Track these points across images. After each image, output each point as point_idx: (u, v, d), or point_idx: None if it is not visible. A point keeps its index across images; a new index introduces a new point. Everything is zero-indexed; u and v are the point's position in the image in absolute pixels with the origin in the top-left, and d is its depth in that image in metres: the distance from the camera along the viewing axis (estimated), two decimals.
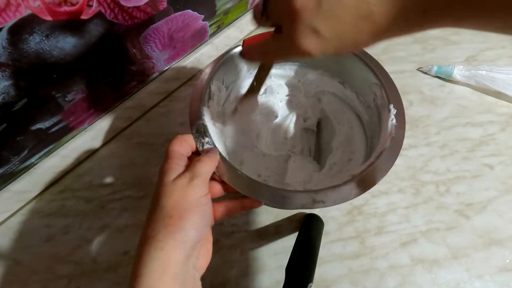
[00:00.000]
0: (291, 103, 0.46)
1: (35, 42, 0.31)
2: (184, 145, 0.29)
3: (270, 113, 0.45)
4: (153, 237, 0.23)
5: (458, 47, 0.57)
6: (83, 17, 0.33)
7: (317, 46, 0.19)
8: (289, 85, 0.46)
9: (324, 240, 0.40)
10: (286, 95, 0.46)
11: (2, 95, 0.32)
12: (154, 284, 0.22)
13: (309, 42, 0.19)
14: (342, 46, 0.19)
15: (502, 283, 0.38)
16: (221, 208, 0.29)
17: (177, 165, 0.27)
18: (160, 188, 0.26)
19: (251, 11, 0.58)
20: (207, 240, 0.28)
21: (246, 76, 0.42)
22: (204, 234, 0.26)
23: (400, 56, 0.56)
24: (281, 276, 0.34)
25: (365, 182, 0.30)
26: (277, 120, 0.45)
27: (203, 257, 0.27)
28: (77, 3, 0.32)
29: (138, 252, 0.24)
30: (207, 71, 0.36)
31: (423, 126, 0.49)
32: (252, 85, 0.38)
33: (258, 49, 0.25)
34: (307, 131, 0.46)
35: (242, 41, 0.37)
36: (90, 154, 0.47)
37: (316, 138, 0.46)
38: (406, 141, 0.32)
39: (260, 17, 0.23)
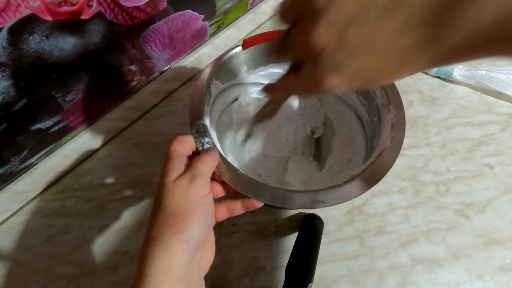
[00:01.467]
0: (293, 105, 0.46)
1: (35, 42, 0.31)
2: (184, 145, 0.29)
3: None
4: (158, 237, 0.23)
5: None
6: (83, 17, 0.33)
7: (341, 84, 0.18)
8: None
9: (324, 240, 0.40)
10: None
11: (2, 95, 0.32)
12: (159, 285, 0.22)
13: (332, 81, 0.18)
14: (367, 82, 0.18)
15: (502, 283, 0.38)
16: (222, 208, 0.29)
17: (178, 165, 0.27)
18: (162, 189, 0.26)
19: (250, 11, 0.58)
20: (210, 240, 0.29)
21: (246, 76, 0.42)
22: (207, 233, 0.26)
23: None
24: (281, 276, 0.34)
25: (365, 182, 0.30)
26: (280, 123, 0.45)
27: (206, 256, 0.27)
28: (77, 3, 0.32)
29: (143, 252, 0.24)
30: (207, 71, 0.36)
31: (423, 126, 0.49)
32: (264, 110, 0.36)
33: (280, 89, 0.24)
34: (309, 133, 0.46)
35: (242, 41, 0.37)
36: (90, 154, 0.47)
37: (316, 138, 0.46)
38: (406, 141, 0.32)
39: (278, 50, 0.21)
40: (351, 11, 0.16)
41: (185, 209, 0.24)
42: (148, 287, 0.22)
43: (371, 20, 0.16)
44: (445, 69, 0.52)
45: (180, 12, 0.44)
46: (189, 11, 0.45)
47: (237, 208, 0.30)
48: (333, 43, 0.17)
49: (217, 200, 0.29)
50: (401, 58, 0.16)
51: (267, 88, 0.25)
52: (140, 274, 0.22)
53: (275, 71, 0.44)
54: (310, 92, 0.22)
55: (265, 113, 0.37)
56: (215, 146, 0.31)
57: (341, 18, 0.16)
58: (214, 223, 0.29)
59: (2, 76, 0.31)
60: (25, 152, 0.40)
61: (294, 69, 0.21)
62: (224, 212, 0.30)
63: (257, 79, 0.42)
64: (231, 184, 0.29)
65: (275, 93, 0.25)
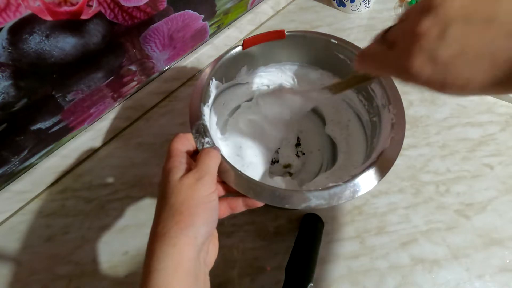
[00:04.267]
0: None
1: (35, 42, 0.31)
2: (185, 143, 0.29)
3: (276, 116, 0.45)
4: (165, 234, 0.24)
5: None
6: (83, 17, 0.33)
7: (427, 72, 0.19)
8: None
9: (324, 240, 0.40)
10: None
11: (2, 95, 0.32)
12: (169, 279, 0.22)
13: (420, 65, 0.19)
14: (450, 82, 0.18)
15: (502, 283, 0.38)
16: (224, 205, 0.30)
17: (180, 163, 0.27)
18: (167, 187, 0.26)
19: (250, 11, 0.58)
20: (214, 235, 0.29)
21: (246, 76, 0.42)
22: (213, 229, 0.26)
23: None
24: (281, 276, 0.34)
25: (365, 182, 0.30)
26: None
27: (211, 252, 0.28)
28: (77, 3, 0.32)
29: (150, 249, 0.24)
30: (207, 71, 0.36)
31: (423, 126, 0.49)
32: (335, 85, 0.35)
33: (369, 61, 0.24)
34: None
35: (242, 41, 0.37)
36: (90, 154, 0.47)
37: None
38: (406, 141, 0.32)
39: (382, 35, 0.22)
40: (459, 11, 0.17)
41: (191, 206, 0.25)
42: (157, 282, 0.22)
43: (473, 23, 0.17)
44: None
45: (180, 12, 0.44)
46: (189, 11, 0.45)
47: (239, 205, 0.30)
48: (435, 32, 0.18)
49: (218, 198, 0.29)
50: (490, 63, 0.17)
51: (359, 58, 0.25)
52: (148, 270, 0.23)
53: (275, 70, 0.44)
54: (395, 72, 0.21)
55: (337, 86, 0.35)
56: (215, 146, 0.31)
57: (449, 14, 0.17)
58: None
59: (2, 76, 0.31)
60: (25, 152, 0.40)
61: (388, 46, 0.22)
62: (225, 209, 0.30)
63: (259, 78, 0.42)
64: (231, 184, 0.29)
65: (363, 64, 0.25)
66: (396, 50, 0.20)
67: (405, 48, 0.19)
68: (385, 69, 0.22)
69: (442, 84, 0.19)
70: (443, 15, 0.17)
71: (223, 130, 0.43)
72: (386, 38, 0.22)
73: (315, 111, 0.46)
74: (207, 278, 0.26)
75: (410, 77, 0.20)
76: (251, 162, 0.42)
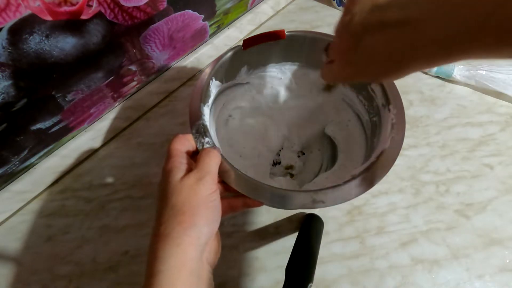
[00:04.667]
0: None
1: (35, 42, 0.31)
2: (185, 143, 0.29)
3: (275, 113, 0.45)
4: (167, 234, 0.24)
5: None
6: (83, 17, 0.33)
7: (354, 75, 0.25)
8: (288, 86, 0.46)
9: (324, 240, 0.40)
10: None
11: (2, 95, 0.32)
12: (173, 280, 0.22)
13: (348, 72, 0.25)
14: (374, 76, 0.24)
15: (502, 283, 0.38)
16: (224, 205, 0.30)
17: (180, 163, 0.27)
18: (168, 188, 0.26)
19: (250, 11, 0.58)
20: (217, 235, 0.29)
21: (246, 76, 0.42)
22: (215, 229, 0.27)
23: None
24: (281, 276, 0.34)
25: (365, 182, 0.30)
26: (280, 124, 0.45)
27: (214, 251, 0.28)
28: (77, 3, 0.32)
29: (153, 250, 0.24)
30: (207, 71, 0.36)
31: (423, 126, 0.49)
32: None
33: (325, 71, 0.30)
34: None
35: (242, 41, 0.37)
36: (90, 154, 0.47)
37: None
38: (406, 141, 0.32)
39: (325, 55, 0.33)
40: (361, 27, 0.22)
41: (193, 206, 0.25)
42: (162, 283, 0.22)
43: (372, 32, 0.21)
44: (445, 69, 0.52)
45: (180, 12, 0.44)
46: (189, 11, 0.45)
47: (240, 205, 0.30)
48: (351, 46, 0.23)
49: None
50: (389, 54, 0.21)
51: (322, 72, 0.31)
52: (152, 271, 0.23)
53: (275, 70, 0.44)
54: (338, 78, 0.29)
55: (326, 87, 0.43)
56: (215, 145, 0.31)
57: (357, 31, 0.22)
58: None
59: (2, 76, 0.31)
60: (25, 152, 0.40)
61: (330, 61, 0.28)
62: (226, 209, 0.30)
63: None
64: (231, 184, 0.29)
65: (323, 76, 0.31)
66: (333, 65, 0.26)
67: (336, 63, 0.26)
68: (332, 77, 0.28)
69: (370, 79, 0.25)
70: (353, 33, 0.22)
71: (224, 130, 0.43)
72: (328, 56, 0.28)
73: (316, 111, 0.46)
74: (211, 277, 0.26)
75: (347, 80, 0.27)
76: (251, 162, 0.43)
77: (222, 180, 0.30)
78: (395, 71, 0.22)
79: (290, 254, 0.36)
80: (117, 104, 0.47)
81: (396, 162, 0.31)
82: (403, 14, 0.19)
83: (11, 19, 0.28)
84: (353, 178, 0.30)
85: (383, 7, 0.21)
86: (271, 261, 0.39)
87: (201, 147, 0.30)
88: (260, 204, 0.30)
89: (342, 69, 0.26)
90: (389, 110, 0.34)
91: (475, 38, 0.17)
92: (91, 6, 0.33)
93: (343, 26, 0.24)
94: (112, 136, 0.48)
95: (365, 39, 0.22)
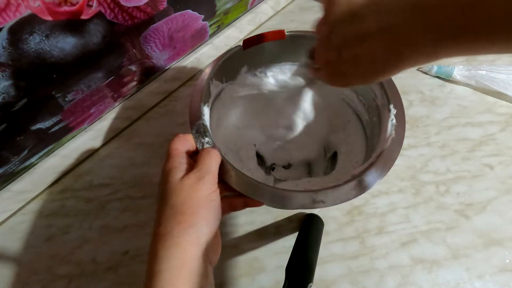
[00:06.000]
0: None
1: (35, 42, 0.31)
2: (185, 143, 0.29)
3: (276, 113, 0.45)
4: (167, 234, 0.24)
5: None
6: (83, 17, 0.33)
7: (343, 83, 0.27)
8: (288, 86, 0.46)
9: (324, 240, 0.40)
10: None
11: (2, 95, 0.32)
12: (173, 279, 0.22)
13: (336, 81, 0.27)
14: (362, 81, 0.25)
15: (502, 283, 0.38)
16: (225, 204, 0.30)
17: (180, 163, 0.27)
18: (168, 187, 0.26)
19: (250, 11, 0.58)
20: (217, 234, 0.29)
21: (246, 76, 0.42)
22: (215, 228, 0.26)
23: None
24: (281, 276, 0.34)
25: (365, 182, 0.30)
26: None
27: (214, 250, 0.28)
28: (77, 3, 0.32)
29: (153, 250, 0.24)
30: (207, 71, 0.36)
31: (423, 126, 0.49)
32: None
33: (321, 77, 0.30)
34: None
35: (242, 41, 0.37)
36: (90, 154, 0.47)
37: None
38: (406, 141, 0.32)
39: (310, 61, 0.31)
40: (341, 40, 0.24)
41: (193, 206, 0.25)
42: (162, 282, 0.22)
43: (352, 44, 0.23)
44: (445, 69, 0.52)
45: (180, 12, 0.44)
46: (189, 11, 0.45)
47: (239, 204, 0.30)
48: (334, 59, 0.25)
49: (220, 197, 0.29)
50: (373, 62, 0.22)
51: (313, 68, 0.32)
52: (152, 271, 0.23)
53: (275, 70, 0.44)
54: (334, 85, 0.29)
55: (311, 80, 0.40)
56: (215, 145, 0.31)
57: (337, 44, 0.24)
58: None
59: (2, 76, 0.31)
60: (25, 152, 0.40)
61: (316, 68, 0.30)
62: (226, 209, 0.30)
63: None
64: (232, 184, 0.29)
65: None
66: (321, 71, 0.28)
67: (324, 73, 0.28)
68: (334, 85, 0.29)
69: (358, 83, 0.26)
70: (335, 44, 0.24)
71: (223, 130, 0.43)
72: (314, 63, 0.30)
73: (316, 112, 0.46)
74: (211, 276, 0.26)
75: (337, 87, 0.29)
76: (252, 162, 0.42)
77: (222, 180, 0.30)
78: (384, 73, 0.23)
79: (290, 254, 0.36)
80: (117, 104, 0.47)
81: (396, 162, 0.31)
82: (382, 22, 0.20)
83: (11, 19, 0.28)
84: (353, 178, 0.30)
85: (360, 16, 0.21)
86: (271, 261, 0.39)
87: (201, 147, 0.30)
88: (260, 204, 0.30)
89: (331, 77, 0.27)
90: (389, 110, 0.34)
91: (455, 35, 0.17)
92: (91, 6, 0.33)
93: (322, 40, 0.25)
94: (112, 136, 0.48)
95: (347, 50, 0.23)
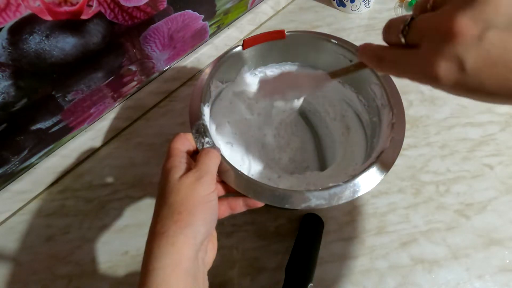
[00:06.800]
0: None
1: (35, 42, 0.31)
2: (185, 143, 0.29)
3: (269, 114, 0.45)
4: (163, 233, 0.24)
5: None
6: (83, 17, 0.33)
7: (452, 77, 0.17)
8: None
9: (324, 240, 0.40)
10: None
11: (2, 95, 0.32)
12: (167, 278, 0.22)
13: (446, 69, 0.17)
14: (479, 91, 0.17)
15: (502, 283, 0.38)
16: (224, 205, 0.30)
17: (179, 162, 0.27)
18: (167, 186, 0.26)
19: (250, 11, 0.58)
20: (213, 235, 0.29)
21: (246, 76, 0.42)
22: (212, 229, 0.26)
23: None
24: (281, 276, 0.34)
25: (365, 182, 0.30)
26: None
27: (210, 252, 0.28)
28: (77, 3, 0.32)
29: (148, 248, 0.24)
30: (207, 71, 0.36)
31: (423, 126, 0.49)
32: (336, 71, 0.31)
33: (387, 62, 0.20)
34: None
35: (242, 41, 0.37)
36: (90, 154, 0.47)
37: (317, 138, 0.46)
38: (406, 141, 0.32)
39: (399, 32, 0.19)
40: (502, 16, 0.15)
41: (190, 206, 0.25)
42: (155, 281, 0.22)
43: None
44: None
45: (180, 12, 0.44)
46: (189, 11, 0.45)
47: (239, 205, 0.30)
48: (471, 36, 0.16)
49: (219, 198, 0.29)
50: None
51: (362, 49, 0.22)
52: (147, 269, 0.23)
53: (275, 70, 0.44)
54: (408, 71, 0.19)
55: (338, 73, 0.31)
56: (215, 145, 0.31)
57: (491, 18, 0.15)
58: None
59: (2, 76, 0.31)
60: (25, 152, 0.40)
61: (406, 46, 0.19)
62: (225, 209, 0.30)
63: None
64: (231, 184, 0.29)
65: (368, 58, 0.22)
66: (421, 51, 0.18)
67: (431, 48, 0.17)
68: (405, 73, 0.19)
69: (468, 91, 0.17)
70: (485, 17, 0.15)
71: (223, 130, 0.43)
72: (407, 36, 0.19)
73: (315, 111, 0.46)
74: (206, 277, 0.26)
75: (430, 80, 0.18)
76: (251, 162, 0.42)
77: (222, 180, 0.30)
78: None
79: (290, 254, 0.36)
80: (117, 104, 0.47)
81: (396, 162, 0.31)
82: None
83: (11, 19, 0.28)
84: (353, 178, 0.30)
85: None
86: (271, 261, 0.39)
87: (201, 147, 0.30)
88: (260, 204, 0.30)
89: (439, 62, 0.17)
90: (389, 110, 0.34)
91: None
92: (91, 6, 0.33)
93: (464, 37, 0.16)
94: (112, 136, 0.48)
95: (501, 34, 0.15)
